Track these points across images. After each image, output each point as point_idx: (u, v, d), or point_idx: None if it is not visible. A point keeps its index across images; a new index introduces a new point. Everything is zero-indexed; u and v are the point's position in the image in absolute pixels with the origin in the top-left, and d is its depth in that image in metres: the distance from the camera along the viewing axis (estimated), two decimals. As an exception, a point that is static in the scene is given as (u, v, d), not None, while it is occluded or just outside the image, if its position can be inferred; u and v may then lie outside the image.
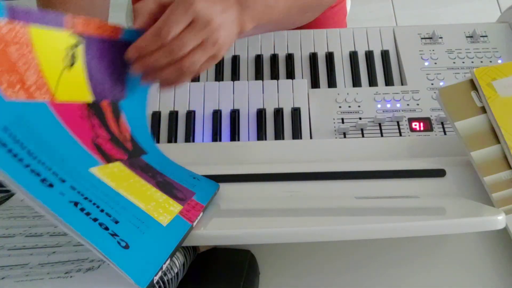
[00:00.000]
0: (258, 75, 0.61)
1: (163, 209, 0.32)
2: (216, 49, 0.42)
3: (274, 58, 0.62)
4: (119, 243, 0.25)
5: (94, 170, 0.31)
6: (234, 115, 0.56)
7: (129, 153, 0.39)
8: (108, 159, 0.34)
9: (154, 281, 0.24)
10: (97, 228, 0.25)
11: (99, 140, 0.35)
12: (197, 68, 0.41)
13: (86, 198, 0.26)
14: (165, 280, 0.29)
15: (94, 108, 0.37)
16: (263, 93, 0.58)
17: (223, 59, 0.62)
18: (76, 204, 0.25)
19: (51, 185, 0.25)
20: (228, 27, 0.42)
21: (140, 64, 0.40)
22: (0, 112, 0.25)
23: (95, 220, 0.25)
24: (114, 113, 0.40)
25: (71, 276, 0.24)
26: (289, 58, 0.62)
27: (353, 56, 0.61)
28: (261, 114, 0.56)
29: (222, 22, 0.41)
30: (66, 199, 0.25)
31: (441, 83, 0.58)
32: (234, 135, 0.55)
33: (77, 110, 0.34)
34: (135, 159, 0.39)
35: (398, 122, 0.55)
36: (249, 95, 0.58)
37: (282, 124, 0.55)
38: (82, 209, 0.25)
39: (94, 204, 0.26)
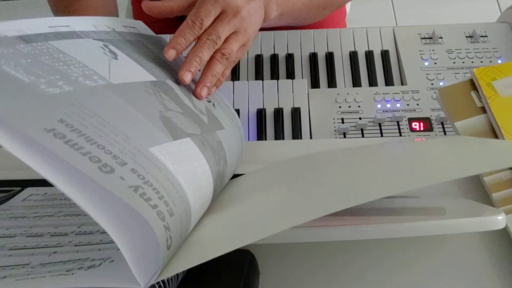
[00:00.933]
0: (258, 75, 0.61)
1: None
2: (246, 37, 0.43)
3: (274, 58, 0.62)
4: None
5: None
6: (234, 115, 0.56)
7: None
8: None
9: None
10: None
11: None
12: (235, 57, 0.42)
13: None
14: (165, 280, 0.29)
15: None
16: (263, 93, 0.58)
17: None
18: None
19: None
20: (255, 14, 0.43)
21: (188, 59, 0.39)
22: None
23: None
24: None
25: (72, 274, 0.24)
26: (289, 58, 0.62)
27: (353, 56, 0.61)
28: (261, 114, 0.56)
29: (250, 9, 0.42)
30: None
31: (441, 83, 0.58)
32: (234, 135, 0.55)
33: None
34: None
35: (398, 122, 0.55)
36: (249, 95, 0.58)
37: (282, 124, 0.55)
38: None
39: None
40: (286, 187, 0.32)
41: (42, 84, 0.26)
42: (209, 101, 0.42)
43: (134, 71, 0.35)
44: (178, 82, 0.39)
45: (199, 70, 0.41)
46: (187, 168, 0.30)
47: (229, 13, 0.40)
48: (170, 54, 0.39)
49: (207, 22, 0.40)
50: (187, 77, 0.39)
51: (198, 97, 0.40)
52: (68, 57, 0.30)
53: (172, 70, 0.41)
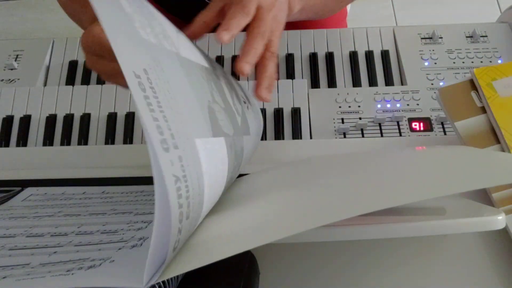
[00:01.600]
0: (258, 75, 0.61)
1: None
2: (280, 32, 0.43)
3: (274, 58, 0.62)
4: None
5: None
6: (234, 115, 0.56)
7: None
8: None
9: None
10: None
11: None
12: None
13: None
14: (165, 280, 0.29)
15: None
16: (263, 93, 0.58)
17: (223, 59, 0.62)
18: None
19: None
20: (284, 10, 0.43)
21: (245, 50, 0.38)
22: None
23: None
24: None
25: (72, 274, 0.24)
26: (289, 58, 0.62)
27: (353, 56, 0.61)
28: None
29: (280, 6, 0.42)
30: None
31: (441, 83, 0.58)
32: (234, 135, 0.55)
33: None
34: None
35: (398, 122, 0.55)
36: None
37: (282, 124, 0.55)
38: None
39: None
40: (291, 191, 0.32)
41: (136, 22, 0.23)
42: (244, 102, 0.41)
43: (192, 50, 0.32)
44: (221, 75, 0.38)
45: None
46: (213, 171, 0.27)
47: (265, 9, 0.40)
48: (224, 36, 0.36)
49: (253, 10, 0.39)
50: (246, 68, 0.37)
51: (264, 100, 0.40)
52: (150, 9, 0.27)
53: (213, 62, 0.39)
